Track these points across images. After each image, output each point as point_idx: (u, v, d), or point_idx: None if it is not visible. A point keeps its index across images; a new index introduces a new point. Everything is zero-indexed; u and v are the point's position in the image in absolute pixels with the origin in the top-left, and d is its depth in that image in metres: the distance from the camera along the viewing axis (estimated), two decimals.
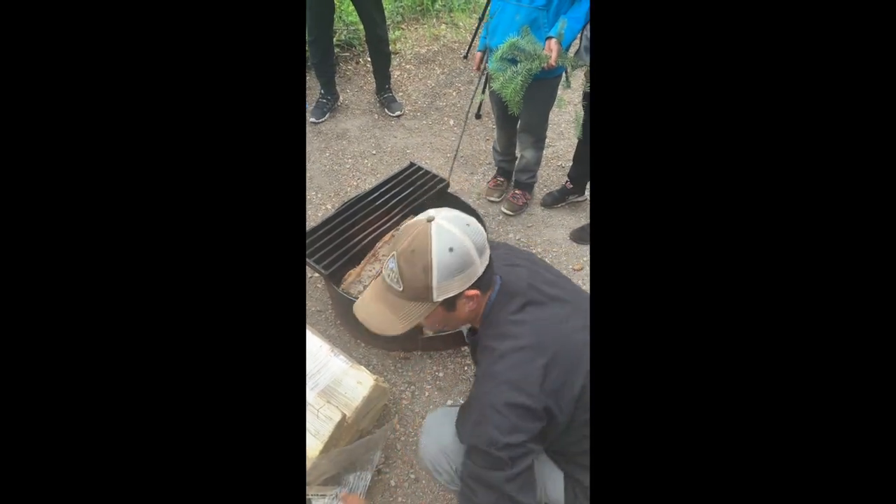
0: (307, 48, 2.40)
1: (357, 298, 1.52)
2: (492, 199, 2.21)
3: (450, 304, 0.79)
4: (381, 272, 0.83)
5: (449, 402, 1.23)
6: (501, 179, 2.21)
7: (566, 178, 2.20)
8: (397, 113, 2.64)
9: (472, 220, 0.81)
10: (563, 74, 1.74)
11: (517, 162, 2.11)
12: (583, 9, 1.56)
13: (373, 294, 0.85)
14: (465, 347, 1.63)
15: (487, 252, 0.81)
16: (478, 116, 2.66)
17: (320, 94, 2.58)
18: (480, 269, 0.79)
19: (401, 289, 0.78)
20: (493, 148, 2.16)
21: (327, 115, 2.60)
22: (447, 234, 0.76)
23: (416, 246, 0.76)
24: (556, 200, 2.18)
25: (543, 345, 0.79)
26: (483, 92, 2.26)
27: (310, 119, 2.55)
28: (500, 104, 1.88)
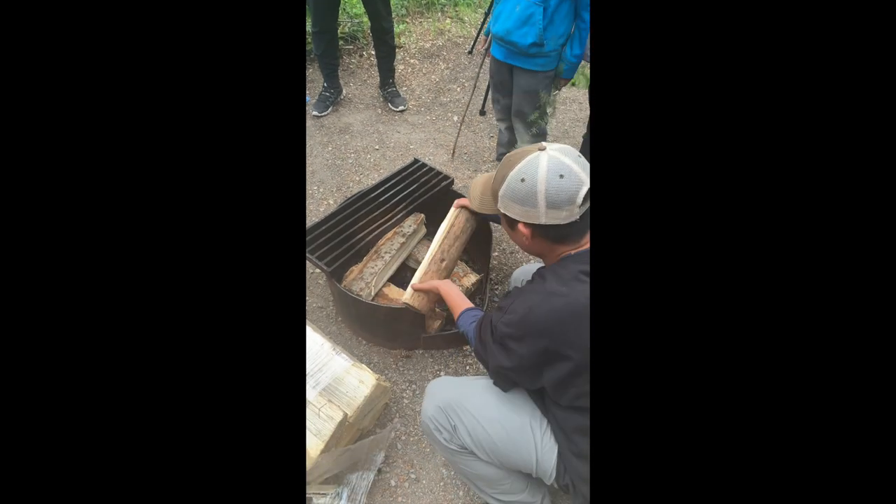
0: (310, 39, 2.38)
1: (359, 296, 1.52)
2: None
3: (509, 221, 0.93)
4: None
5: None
6: None
7: None
8: (401, 108, 2.62)
9: (583, 180, 0.84)
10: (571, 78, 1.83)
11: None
12: (581, 48, 1.68)
13: (490, 175, 1.01)
14: (467, 347, 1.62)
15: (565, 213, 0.84)
16: (482, 113, 2.64)
17: (323, 86, 2.55)
18: (542, 219, 0.85)
19: (493, 181, 0.94)
20: (498, 143, 2.18)
21: (330, 109, 2.57)
22: (539, 168, 0.84)
23: (515, 157, 0.88)
24: None
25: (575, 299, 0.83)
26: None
27: (312, 112, 2.52)
28: (501, 91, 1.93)
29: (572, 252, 0.90)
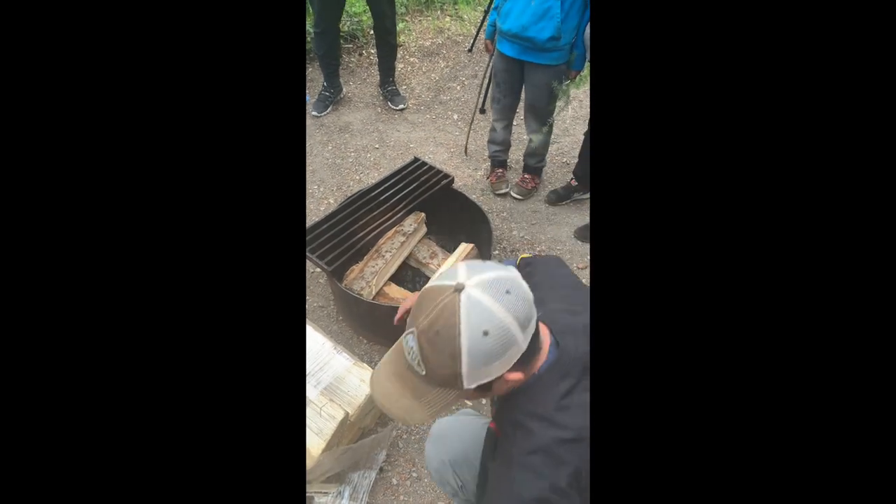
0: (313, 39, 2.37)
1: (360, 295, 1.52)
2: (500, 191, 2.20)
3: (485, 388, 0.66)
4: (399, 342, 0.69)
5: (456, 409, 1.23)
6: (501, 171, 2.24)
7: (571, 176, 2.18)
8: (400, 106, 2.62)
9: (515, 281, 0.64)
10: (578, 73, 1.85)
11: (527, 146, 2.13)
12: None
13: (391, 369, 0.70)
14: None
15: (533, 322, 0.65)
16: (482, 111, 2.64)
17: (323, 86, 2.54)
18: (524, 347, 0.63)
19: (423, 373, 0.64)
20: (490, 140, 2.16)
21: (329, 109, 2.57)
22: (481, 310, 0.60)
23: (440, 325, 0.61)
24: (560, 198, 2.16)
25: (587, 434, 0.66)
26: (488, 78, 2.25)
27: (312, 112, 2.52)
28: (504, 89, 1.93)
29: (541, 367, 0.70)
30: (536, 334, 0.67)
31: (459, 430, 0.94)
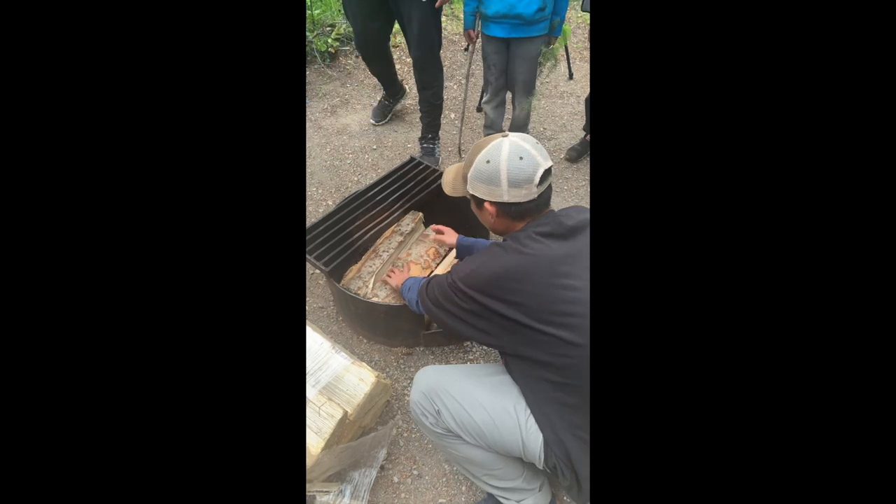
0: (366, 64, 2.23)
1: (357, 295, 1.53)
2: None
3: (477, 201, 1.01)
4: None
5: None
6: None
7: (584, 132, 2.33)
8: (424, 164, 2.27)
9: (540, 162, 0.93)
10: (567, 64, 1.97)
11: (513, 118, 2.21)
12: (565, 5, 1.82)
13: (461, 164, 1.09)
14: (468, 344, 1.62)
15: (525, 192, 0.94)
16: (479, 109, 2.63)
17: (383, 95, 2.50)
18: (505, 198, 0.95)
19: (463, 167, 1.05)
20: (485, 125, 2.27)
21: (389, 117, 2.57)
22: (502, 151, 0.93)
23: (482, 144, 0.98)
24: (580, 154, 2.30)
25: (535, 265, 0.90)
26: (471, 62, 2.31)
27: (370, 121, 2.52)
28: (496, 71, 2.02)
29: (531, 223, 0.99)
30: (529, 206, 0.95)
31: (439, 369, 1.09)
